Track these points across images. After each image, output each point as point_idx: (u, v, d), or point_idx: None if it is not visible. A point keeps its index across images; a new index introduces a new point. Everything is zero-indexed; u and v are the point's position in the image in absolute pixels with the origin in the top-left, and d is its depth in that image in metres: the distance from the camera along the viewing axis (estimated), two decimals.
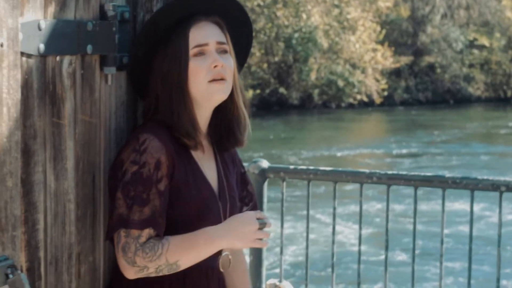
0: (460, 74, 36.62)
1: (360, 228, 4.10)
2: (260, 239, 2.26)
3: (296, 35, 31.32)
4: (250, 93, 29.33)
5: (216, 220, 2.30)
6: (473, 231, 3.95)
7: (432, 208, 12.36)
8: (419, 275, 8.49)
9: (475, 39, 37.32)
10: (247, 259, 4.06)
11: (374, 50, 33.76)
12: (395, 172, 4.05)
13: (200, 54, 2.28)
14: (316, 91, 32.31)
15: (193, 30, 2.28)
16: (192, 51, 2.27)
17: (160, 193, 2.18)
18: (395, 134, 24.60)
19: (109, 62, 2.22)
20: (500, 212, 3.89)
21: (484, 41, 37.19)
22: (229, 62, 2.31)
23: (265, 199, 4.18)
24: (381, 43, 34.24)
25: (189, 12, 2.29)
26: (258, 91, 31.01)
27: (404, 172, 4.04)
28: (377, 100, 33.64)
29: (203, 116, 2.33)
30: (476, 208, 11.76)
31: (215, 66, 2.27)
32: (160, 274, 2.19)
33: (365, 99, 33.24)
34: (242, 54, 2.46)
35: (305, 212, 4.51)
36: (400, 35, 36.97)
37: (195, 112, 2.29)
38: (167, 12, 2.26)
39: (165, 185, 2.20)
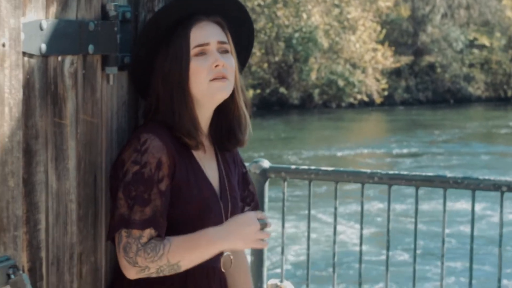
0: (461, 73, 36.62)
1: (361, 228, 4.10)
2: (261, 240, 2.26)
3: (296, 35, 31.33)
4: (250, 93, 29.32)
5: (218, 220, 2.30)
6: (474, 231, 3.95)
7: (433, 208, 12.35)
8: (420, 275, 8.49)
9: (476, 39, 37.33)
10: (248, 259, 4.06)
11: (375, 49, 33.77)
12: (396, 172, 4.05)
13: (201, 53, 2.28)
14: (317, 91, 32.31)
15: (194, 30, 2.27)
16: (193, 51, 2.27)
17: (161, 193, 2.18)
18: (395, 133, 24.61)
19: (111, 62, 2.22)
20: (501, 212, 3.89)
21: (485, 40, 37.19)
22: (230, 61, 2.31)
23: (266, 199, 4.18)
24: (382, 42, 34.24)
25: (190, 12, 2.29)
26: (258, 91, 31.01)
27: (405, 172, 4.04)
28: (378, 100, 33.64)
29: (204, 116, 2.33)
30: (478, 208, 11.75)
31: (216, 66, 2.27)
32: (161, 274, 2.19)
33: (366, 99, 33.25)
34: (243, 54, 2.45)
35: (306, 212, 4.52)
36: (401, 35, 36.98)
37: (196, 112, 2.29)
38: (168, 12, 2.26)
39: (166, 185, 2.20)
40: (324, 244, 10.62)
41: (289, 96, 32.00)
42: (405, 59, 36.09)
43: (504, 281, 8.37)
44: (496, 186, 3.83)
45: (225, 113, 2.37)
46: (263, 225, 2.24)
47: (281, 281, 4.19)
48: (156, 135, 2.20)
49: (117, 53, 2.23)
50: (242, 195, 2.48)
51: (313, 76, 31.93)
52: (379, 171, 4.05)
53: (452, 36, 36.56)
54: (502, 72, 37.48)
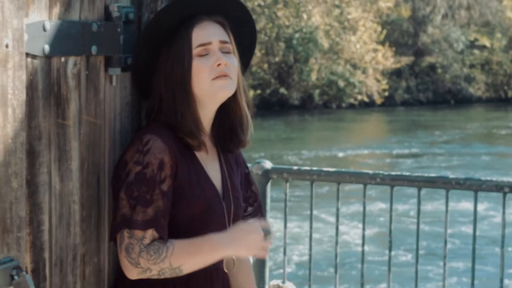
0: (461, 74, 36.63)
1: (364, 229, 4.10)
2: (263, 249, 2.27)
3: (296, 35, 31.33)
4: (251, 93, 29.31)
5: (220, 221, 2.29)
6: (476, 232, 3.95)
7: (436, 208, 12.35)
8: (422, 275, 8.48)
9: (476, 40, 37.33)
10: (251, 260, 4.06)
11: (375, 50, 33.78)
12: (398, 173, 4.05)
13: (204, 53, 2.27)
14: (317, 92, 32.32)
15: (196, 30, 2.27)
16: (195, 51, 2.27)
17: (163, 194, 2.18)
18: (396, 134, 24.60)
19: (114, 63, 2.22)
20: (503, 212, 3.89)
21: (485, 41, 37.20)
22: (233, 61, 2.30)
23: (268, 200, 4.18)
24: (382, 43, 34.25)
25: (192, 11, 2.28)
26: (258, 91, 31.02)
27: (407, 173, 4.04)
28: (378, 100, 33.64)
29: (206, 116, 2.32)
30: (480, 208, 11.74)
31: (219, 65, 2.26)
32: (162, 277, 2.19)
33: (366, 99, 33.25)
34: (246, 55, 2.45)
35: (308, 213, 4.52)
36: (401, 35, 36.98)
37: (199, 112, 2.29)
38: (170, 11, 2.26)
39: (168, 186, 2.19)
40: (326, 245, 10.62)
41: (290, 97, 32.01)
42: (406, 60, 36.09)
43: (506, 281, 8.36)
44: (498, 187, 3.83)
45: (227, 113, 2.36)
46: (267, 234, 2.25)
47: (283, 282, 4.19)
48: (159, 136, 2.20)
49: (120, 54, 2.23)
50: (245, 195, 2.48)
51: (314, 76, 31.93)
52: (381, 172, 4.05)
53: (452, 36, 36.57)
54: (503, 73, 37.48)
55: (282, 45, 31.58)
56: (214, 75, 2.26)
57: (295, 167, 4.19)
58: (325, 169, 4.13)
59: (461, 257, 9.88)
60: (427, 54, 36.93)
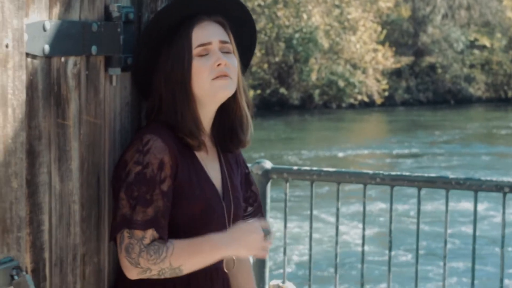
0: (461, 74, 36.63)
1: (364, 229, 4.10)
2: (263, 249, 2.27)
3: (296, 35, 31.33)
4: (250, 93, 29.31)
5: (220, 221, 2.30)
6: (476, 232, 3.96)
7: (436, 208, 12.35)
8: (422, 275, 8.48)
9: (476, 40, 37.34)
10: (251, 259, 4.06)
11: (375, 50, 33.78)
12: (398, 173, 4.05)
13: (204, 53, 2.27)
14: (317, 92, 32.32)
15: (196, 30, 2.27)
16: (195, 51, 2.27)
17: (163, 194, 2.18)
18: (396, 134, 24.61)
19: (114, 63, 2.22)
20: (503, 212, 3.90)
21: (485, 41, 37.21)
22: (233, 61, 2.30)
23: (268, 200, 4.18)
24: (382, 43, 34.25)
25: (192, 11, 2.28)
26: (258, 91, 31.02)
27: (407, 173, 4.05)
28: (378, 100, 33.65)
29: (206, 116, 2.32)
30: (480, 208, 11.74)
31: (219, 65, 2.26)
32: (162, 277, 2.19)
33: (366, 99, 33.25)
34: (246, 55, 2.45)
35: (308, 212, 4.52)
36: (401, 35, 36.98)
37: (199, 112, 2.29)
38: (170, 11, 2.26)
39: (168, 186, 2.19)
40: (326, 245, 10.62)
41: (290, 97, 32.01)
42: (406, 60, 36.10)
43: (506, 281, 8.36)
44: (498, 187, 3.83)
45: (227, 113, 2.36)
46: (267, 234, 2.25)
47: (283, 282, 4.19)
48: (159, 136, 2.20)
49: (120, 54, 2.23)
50: (245, 195, 2.48)
51: (314, 76, 31.94)
52: (381, 172, 4.05)
53: (452, 36, 36.57)
54: (503, 73, 37.49)
55: (282, 45, 31.59)
56: (214, 75, 2.26)
57: (295, 167, 4.19)
58: (325, 169, 4.13)
59: (461, 257, 9.88)
60: (427, 54, 36.93)
